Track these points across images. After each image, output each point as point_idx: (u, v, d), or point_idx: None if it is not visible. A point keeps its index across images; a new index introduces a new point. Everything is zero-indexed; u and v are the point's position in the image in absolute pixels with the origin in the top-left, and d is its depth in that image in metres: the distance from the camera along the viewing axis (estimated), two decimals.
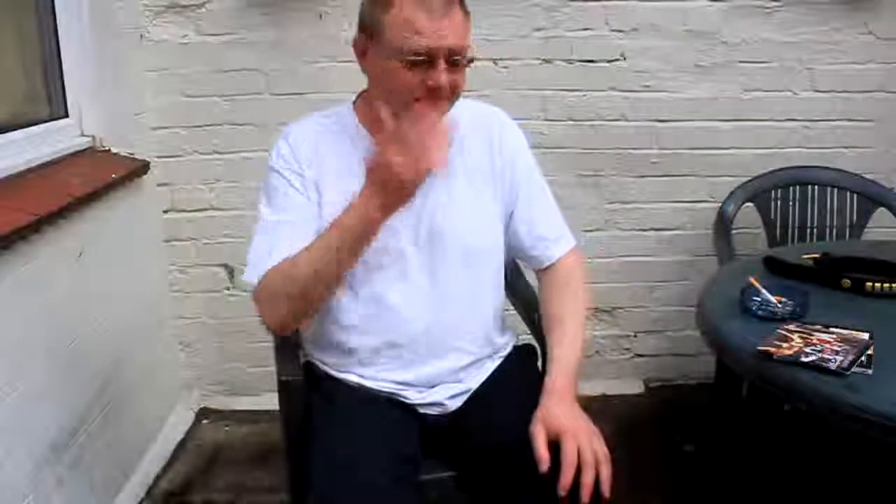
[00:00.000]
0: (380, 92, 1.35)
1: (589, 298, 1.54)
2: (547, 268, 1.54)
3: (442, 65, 1.28)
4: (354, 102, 1.48)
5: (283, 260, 1.33)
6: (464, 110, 1.40)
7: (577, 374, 1.40)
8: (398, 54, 1.28)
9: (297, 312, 1.36)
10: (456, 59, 1.30)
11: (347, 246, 1.29)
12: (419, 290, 1.42)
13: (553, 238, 1.54)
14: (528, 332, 1.71)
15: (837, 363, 1.32)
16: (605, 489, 1.21)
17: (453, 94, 1.32)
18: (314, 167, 1.41)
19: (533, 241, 1.52)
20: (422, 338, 1.43)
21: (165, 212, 2.52)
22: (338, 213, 1.30)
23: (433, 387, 1.46)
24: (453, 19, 1.29)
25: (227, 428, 2.57)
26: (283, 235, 1.36)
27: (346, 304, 1.43)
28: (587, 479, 1.20)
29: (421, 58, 1.27)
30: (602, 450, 1.25)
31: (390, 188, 1.24)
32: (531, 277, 1.87)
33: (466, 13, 1.34)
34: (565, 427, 1.26)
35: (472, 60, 1.33)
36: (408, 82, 1.29)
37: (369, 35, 1.33)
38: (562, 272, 1.53)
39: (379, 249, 1.39)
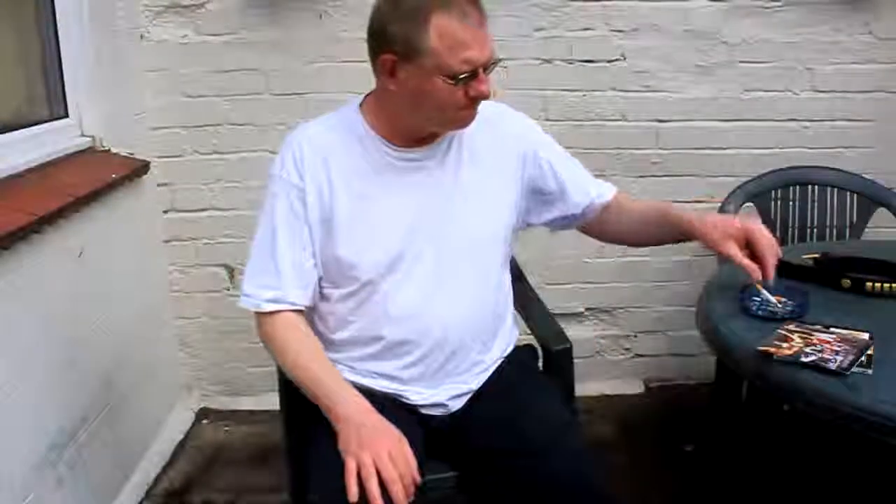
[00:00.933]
0: (413, 108, 1.36)
1: None
2: (607, 204, 1.60)
3: (482, 75, 1.31)
4: (361, 105, 1.46)
5: (282, 310, 1.40)
6: None
7: None
8: (446, 72, 1.29)
9: None
10: (492, 65, 1.33)
11: (307, 392, 1.37)
12: (426, 289, 1.42)
13: (601, 190, 1.61)
14: (528, 332, 1.72)
15: (837, 363, 1.32)
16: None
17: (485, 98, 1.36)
18: (322, 175, 1.40)
19: (586, 199, 1.58)
20: (427, 335, 1.43)
21: (165, 212, 2.52)
22: (351, 215, 1.38)
23: (436, 387, 1.46)
24: (485, 28, 1.31)
25: (227, 428, 2.57)
26: (277, 257, 1.40)
27: (352, 303, 1.44)
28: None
29: (469, 73, 1.29)
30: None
31: (355, 435, 1.26)
32: (532, 280, 1.88)
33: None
34: (746, 226, 1.44)
35: (496, 63, 1.35)
36: (454, 98, 1.31)
37: (401, 55, 1.31)
38: (622, 196, 1.62)
39: (388, 250, 1.40)
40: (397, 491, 1.19)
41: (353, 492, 1.19)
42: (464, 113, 1.36)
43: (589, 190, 1.58)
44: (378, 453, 1.22)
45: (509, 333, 1.58)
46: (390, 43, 1.31)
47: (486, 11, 1.34)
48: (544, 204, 1.57)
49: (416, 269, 1.42)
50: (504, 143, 1.51)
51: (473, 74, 1.30)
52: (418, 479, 1.24)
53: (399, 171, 1.42)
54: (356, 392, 1.34)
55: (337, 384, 1.35)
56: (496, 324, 1.53)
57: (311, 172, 1.40)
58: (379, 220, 1.41)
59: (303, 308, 1.43)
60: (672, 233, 1.53)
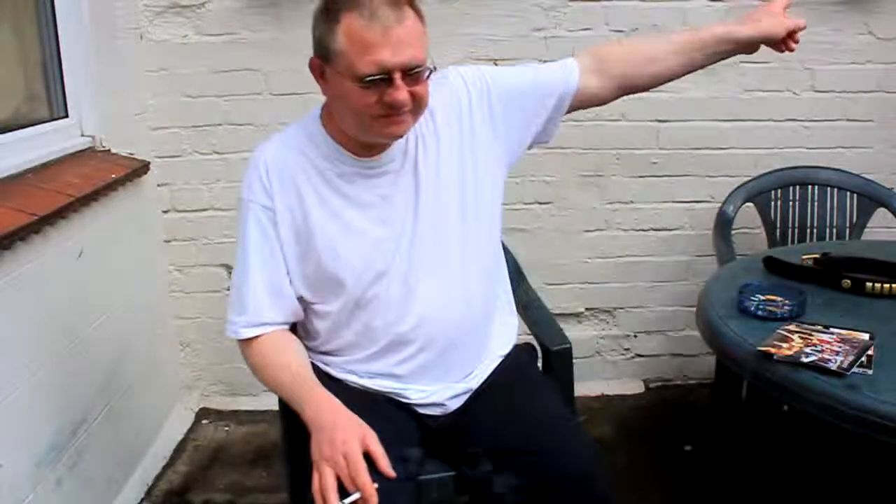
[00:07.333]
0: (341, 114, 1.34)
1: None
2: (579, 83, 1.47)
3: (398, 81, 1.24)
4: (321, 114, 1.43)
5: (262, 334, 1.40)
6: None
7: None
8: (354, 74, 1.24)
9: None
10: (415, 71, 1.25)
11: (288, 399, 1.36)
12: (416, 291, 1.41)
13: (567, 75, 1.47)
14: (528, 331, 1.72)
15: (837, 363, 1.32)
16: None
17: (418, 107, 1.30)
18: (291, 193, 1.39)
19: (561, 88, 1.46)
20: (421, 331, 1.42)
21: (165, 212, 2.52)
22: (326, 229, 1.37)
23: (435, 383, 1.46)
24: (405, 30, 1.23)
25: (227, 428, 2.57)
26: (249, 283, 1.39)
27: (343, 316, 1.43)
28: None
29: (377, 77, 1.23)
30: None
31: (315, 441, 1.24)
32: (533, 280, 1.88)
33: (419, 16, 1.28)
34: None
35: (432, 70, 1.28)
36: (366, 103, 1.25)
37: (322, 58, 1.29)
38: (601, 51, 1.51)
39: (369, 261, 1.39)
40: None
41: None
42: (383, 122, 1.27)
43: (556, 82, 1.46)
44: (335, 461, 1.20)
45: (508, 333, 1.58)
46: (315, 46, 1.30)
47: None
48: (535, 119, 1.48)
49: (403, 273, 1.40)
50: (474, 105, 1.42)
51: (387, 80, 1.23)
52: (369, 485, 1.19)
53: (366, 178, 1.39)
54: (325, 393, 1.32)
55: (304, 389, 1.33)
56: (492, 317, 1.52)
57: (279, 192, 1.39)
58: (355, 231, 1.39)
59: (281, 326, 1.43)
60: (719, 54, 1.50)
